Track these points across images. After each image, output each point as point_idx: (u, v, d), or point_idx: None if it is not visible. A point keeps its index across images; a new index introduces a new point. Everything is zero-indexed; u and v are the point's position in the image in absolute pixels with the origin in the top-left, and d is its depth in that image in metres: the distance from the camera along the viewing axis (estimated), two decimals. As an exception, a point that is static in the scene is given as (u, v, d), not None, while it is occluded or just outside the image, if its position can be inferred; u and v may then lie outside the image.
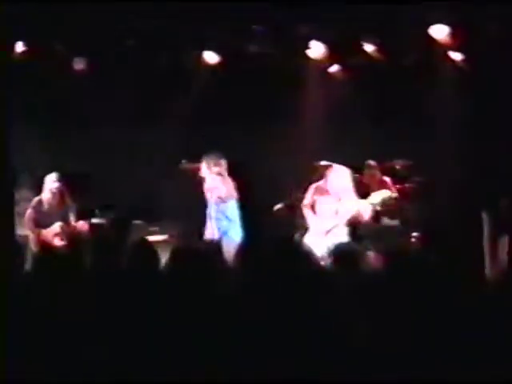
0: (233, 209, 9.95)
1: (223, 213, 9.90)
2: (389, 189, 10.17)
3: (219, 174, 9.92)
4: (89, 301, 5.05)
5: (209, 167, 9.91)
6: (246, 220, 10.13)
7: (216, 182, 9.90)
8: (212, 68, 11.20)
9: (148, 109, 11.34)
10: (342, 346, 4.67)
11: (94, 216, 10.39)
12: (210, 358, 4.62)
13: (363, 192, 9.85)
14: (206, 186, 9.99)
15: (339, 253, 6.21)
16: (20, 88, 9.98)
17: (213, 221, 9.90)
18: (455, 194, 10.65)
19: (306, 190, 9.65)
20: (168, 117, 11.35)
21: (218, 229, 9.82)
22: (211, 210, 9.93)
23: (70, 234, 9.68)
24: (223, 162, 9.95)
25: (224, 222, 9.88)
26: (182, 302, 4.89)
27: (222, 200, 9.87)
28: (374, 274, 5.89)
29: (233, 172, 10.16)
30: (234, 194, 9.93)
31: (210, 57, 11.09)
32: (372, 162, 10.54)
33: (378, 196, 9.68)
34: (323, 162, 9.90)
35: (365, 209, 9.49)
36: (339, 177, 9.38)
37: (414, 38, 10.32)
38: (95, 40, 10.42)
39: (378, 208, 9.66)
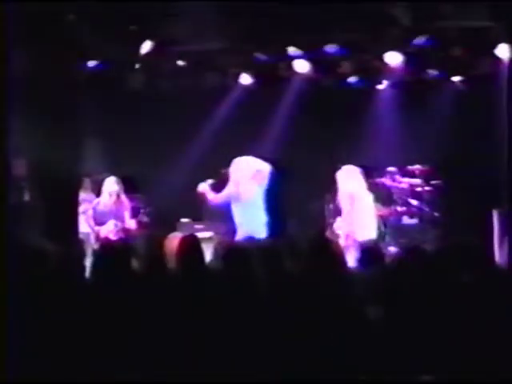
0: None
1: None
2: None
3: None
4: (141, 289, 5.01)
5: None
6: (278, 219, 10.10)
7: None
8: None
9: (194, 120, 11.38)
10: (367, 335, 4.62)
11: (141, 215, 10.42)
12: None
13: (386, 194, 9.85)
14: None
15: (365, 249, 6.15)
16: (89, 106, 10.10)
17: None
18: (468, 196, 10.60)
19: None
20: (212, 128, 11.44)
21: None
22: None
23: (122, 231, 9.72)
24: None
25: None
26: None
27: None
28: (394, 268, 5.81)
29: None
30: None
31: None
32: (392, 169, 10.49)
33: None
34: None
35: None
36: (349, 176, 9.34)
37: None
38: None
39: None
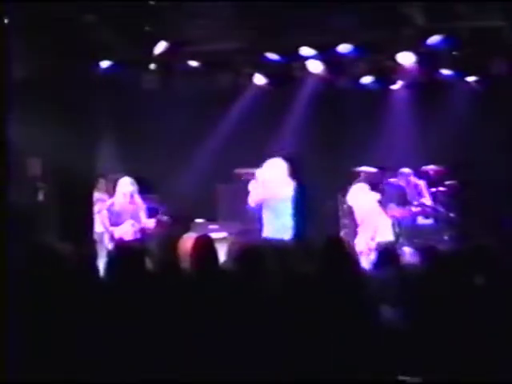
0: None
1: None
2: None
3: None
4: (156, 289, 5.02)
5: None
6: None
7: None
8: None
9: (208, 121, 11.40)
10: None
11: (160, 215, 10.41)
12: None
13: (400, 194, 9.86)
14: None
15: (381, 250, 6.15)
16: (103, 107, 10.18)
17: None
18: (483, 196, 10.57)
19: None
20: (226, 129, 11.46)
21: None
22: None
23: (139, 231, 9.73)
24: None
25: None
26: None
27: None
28: (410, 269, 5.81)
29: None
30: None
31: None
32: (406, 170, 10.47)
33: None
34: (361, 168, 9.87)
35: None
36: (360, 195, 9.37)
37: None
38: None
39: None
